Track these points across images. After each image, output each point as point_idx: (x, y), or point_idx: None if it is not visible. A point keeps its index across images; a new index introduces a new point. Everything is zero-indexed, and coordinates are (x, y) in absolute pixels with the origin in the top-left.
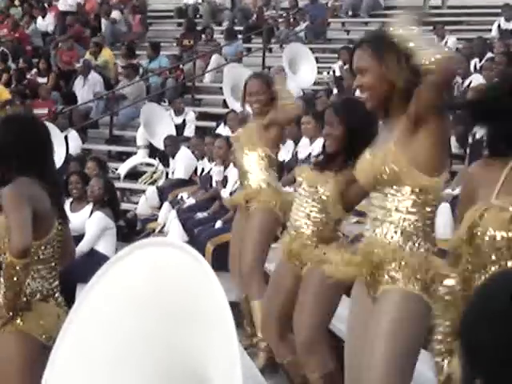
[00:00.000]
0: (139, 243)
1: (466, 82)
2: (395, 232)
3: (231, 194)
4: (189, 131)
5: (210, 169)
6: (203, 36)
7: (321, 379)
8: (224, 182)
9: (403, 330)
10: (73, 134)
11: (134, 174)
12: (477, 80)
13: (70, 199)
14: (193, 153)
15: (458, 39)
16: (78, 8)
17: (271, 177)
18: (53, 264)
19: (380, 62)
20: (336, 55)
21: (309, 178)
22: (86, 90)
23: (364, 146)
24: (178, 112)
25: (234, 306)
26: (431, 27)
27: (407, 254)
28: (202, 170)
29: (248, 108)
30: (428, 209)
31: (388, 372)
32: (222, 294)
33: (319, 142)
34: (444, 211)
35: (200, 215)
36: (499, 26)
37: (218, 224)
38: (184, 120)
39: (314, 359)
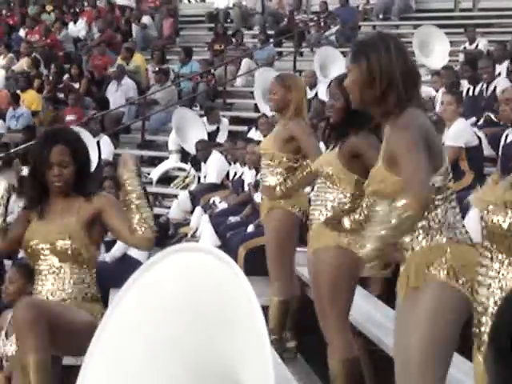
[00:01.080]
0: (172, 248)
1: (491, 87)
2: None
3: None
4: (222, 137)
5: (242, 173)
6: (234, 40)
7: (340, 364)
8: (256, 186)
9: (439, 319)
10: (105, 140)
11: (166, 179)
12: (503, 84)
13: None
14: (225, 157)
15: (488, 41)
16: (136, 3)
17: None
18: None
19: (355, 66)
20: None
21: (319, 163)
22: (118, 95)
23: (365, 118)
24: (214, 121)
25: (265, 309)
26: (462, 30)
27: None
28: (235, 175)
29: None
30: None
31: (424, 359)
32: (254, 299)
33: None
34: (474, 217)
35: (232, 219)
36: None
37: (250, 228)
38: (218, 127)
39: (335, 344)
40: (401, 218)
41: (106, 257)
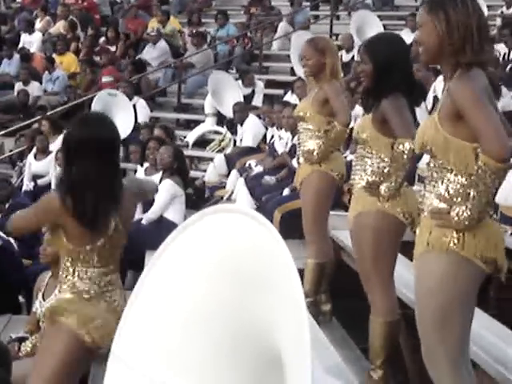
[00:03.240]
0: (209, 209)
1: None
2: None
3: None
4: (257, 101)
5: (279, 136)
6: (270, 3)
7: (381, 325)
8: (292, 149)
9: (444, 287)
10: (141, 103)
11: (202, 142)
12: None
13: (146, 165)
14: (264, 120)
15: None
16: None
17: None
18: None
19: (433, 19)
20: (403, 22)
21: (356, 128)
22: (155, 58)
23: (394, 81)
24: (249, 84)
25: (300, 272)
26: None
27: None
28: (271, 138)
29: None
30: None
31: (433, 328)
32: (291, 261)
33: None
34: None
35: (268, 178)
36: None
37: (286, 192)
38: (253, 90)
39: (378, 305)
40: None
41: (143, 219)
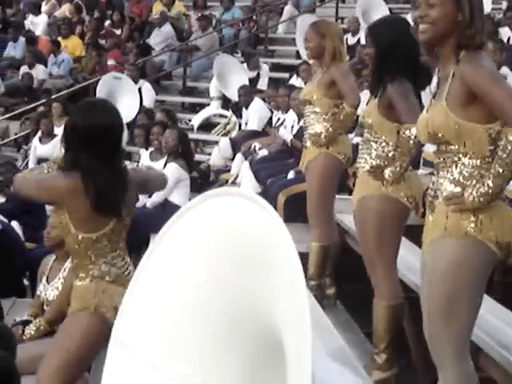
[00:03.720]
0: (210, 192)
1: None
2: (454, 177)
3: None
4: (262, 84)
5: (284, 119)
6: None
7: (385, 309)
8: (299, 132)
9: (459, 269)
10: (146, 86)
11: (207, 126)
12: None
13: (151, 149)
14: (269, 104)
15: None
16: None
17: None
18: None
19: (452, 1)
20: (409, 6)
21: (362, 113)
22: (160, 41)
23: (397, 65)
24: (254, 67)
25: (304, 255)
26: None
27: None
28: (277, 120)
29: None
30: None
31: (440, 313)
32: (292, 245)
33: None
34: None
35: (261, 153)
36: None
37: (291, 175)
38: (258, 73)
39: (381, 289)
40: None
41: (148, 202)
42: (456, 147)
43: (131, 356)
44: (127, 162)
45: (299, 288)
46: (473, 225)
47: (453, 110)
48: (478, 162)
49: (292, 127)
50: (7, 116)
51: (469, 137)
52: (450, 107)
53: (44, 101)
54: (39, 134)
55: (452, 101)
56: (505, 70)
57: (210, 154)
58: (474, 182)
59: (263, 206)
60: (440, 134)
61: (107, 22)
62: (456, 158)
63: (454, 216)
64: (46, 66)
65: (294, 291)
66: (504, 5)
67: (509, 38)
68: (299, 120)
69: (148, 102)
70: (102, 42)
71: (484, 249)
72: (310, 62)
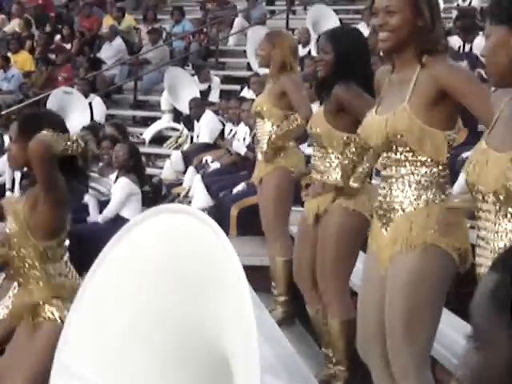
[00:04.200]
0: (153, 210)
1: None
2: (411, 187)
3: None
4: (214, 97)
5: (236, 132)
6: None
7: (340, 325)
8: (250, 144)
9: (423, 281)
10: (97, 100)
11: (158, 139)
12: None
13: (100, 164)
14: (222, 116)
15: None
16: None
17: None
18: None
19: (411, 7)
20: (360, 16)
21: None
22: (111, 55)
23: (353, 71)
24: (205, 80)
25: (258, 269)
26: None
27: (425, 207)
28: (230, 132)
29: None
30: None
31: (408, 324)
32: (237, 262)
33: None
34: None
35: (213, 166)
36: None
37: (241, 187)
38: (209, 86)
39: (334, 305)
40: None
41: (99, 218)
42: (411, 154)
43: (74, 382)
44: None
45: (246, 308)
46: (434, 233)
47: (415, 114)
48: (435, 169)
49: (244, 139)
50: None
51: (430, 141)
52: (413, 111)
53: None
54: None
55: (417, 104)
56: None
57: (161, 168)
58: (434, 189)
59: (206, 221)
60: (400, 136)
61: (57, 37)
62: (413, 167)
63: (419, 227)
64: None
65: (241, 312)
66: (454, 14)
67: (459, 47)
68: (251, 132)
69: (99, 117)
70: (52, 56)
71: (446, 258)
72: (261, 72)
